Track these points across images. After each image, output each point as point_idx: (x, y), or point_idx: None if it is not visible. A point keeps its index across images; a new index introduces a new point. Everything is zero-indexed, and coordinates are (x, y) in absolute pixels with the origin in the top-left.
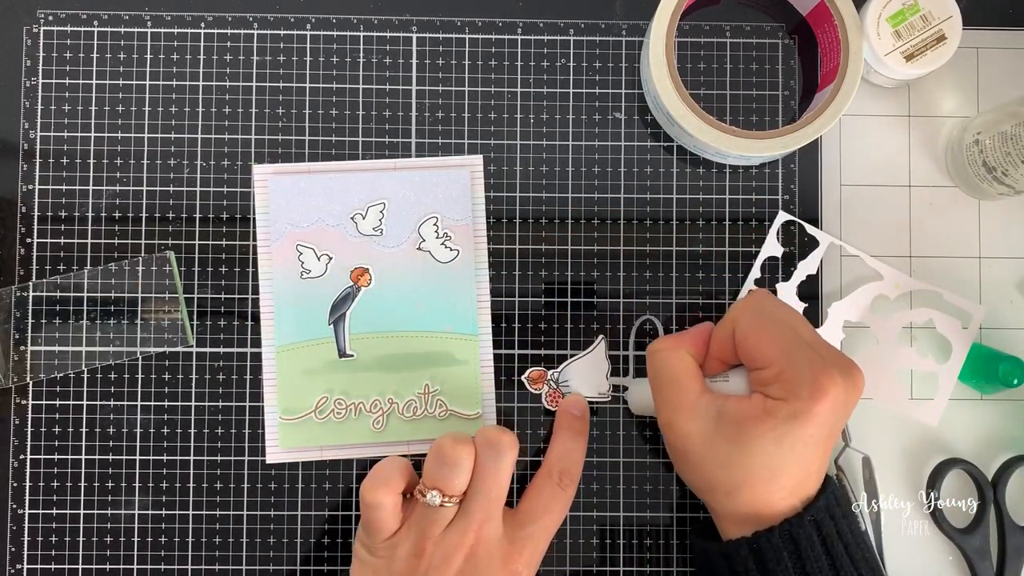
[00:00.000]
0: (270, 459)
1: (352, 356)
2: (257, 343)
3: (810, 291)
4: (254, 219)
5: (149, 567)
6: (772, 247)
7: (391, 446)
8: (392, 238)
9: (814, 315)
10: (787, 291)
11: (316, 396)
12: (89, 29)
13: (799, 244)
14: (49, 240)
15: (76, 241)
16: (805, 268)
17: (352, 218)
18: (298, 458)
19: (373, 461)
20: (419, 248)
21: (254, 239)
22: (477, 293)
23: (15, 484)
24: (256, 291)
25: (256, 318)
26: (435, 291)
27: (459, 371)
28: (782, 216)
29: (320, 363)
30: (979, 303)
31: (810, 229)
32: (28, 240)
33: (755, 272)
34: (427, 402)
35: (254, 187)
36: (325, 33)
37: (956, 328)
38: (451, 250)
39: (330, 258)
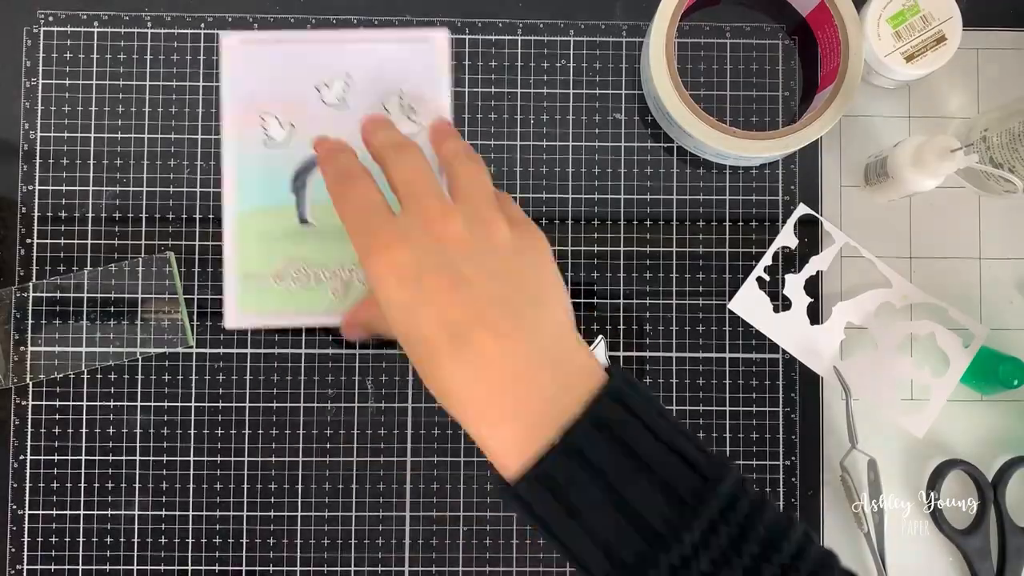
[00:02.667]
0: (229, 323)
1: (312, 225)
2: (258, 343)
3: (811, 289)
4: (218, 87)
5: (149, 567)
6: (787, 237)
7: None
8: (357, 111)
9: (815, 313)
10: (796, 283)
11: (276, 261)
12: (89, 29)
13: (809, 240)
14: (49, 240)
15: (76, 241)
16: (817, 263)
17: (317, 88)
18: (257, 324)
19: (333, 330)
20: None
21: (217, 107)
22: None
23: (15, 484)
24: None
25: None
26: None
27: None
28: (801, 208)
29: (280, 230)
30: (980, 317)
31: (828, 227)
32: (28, 240)
33: (767, 259)
34: None
35: (219, 56)
36: None
37: (957, 345)
38: (416, 123)
39: (293, 127)
